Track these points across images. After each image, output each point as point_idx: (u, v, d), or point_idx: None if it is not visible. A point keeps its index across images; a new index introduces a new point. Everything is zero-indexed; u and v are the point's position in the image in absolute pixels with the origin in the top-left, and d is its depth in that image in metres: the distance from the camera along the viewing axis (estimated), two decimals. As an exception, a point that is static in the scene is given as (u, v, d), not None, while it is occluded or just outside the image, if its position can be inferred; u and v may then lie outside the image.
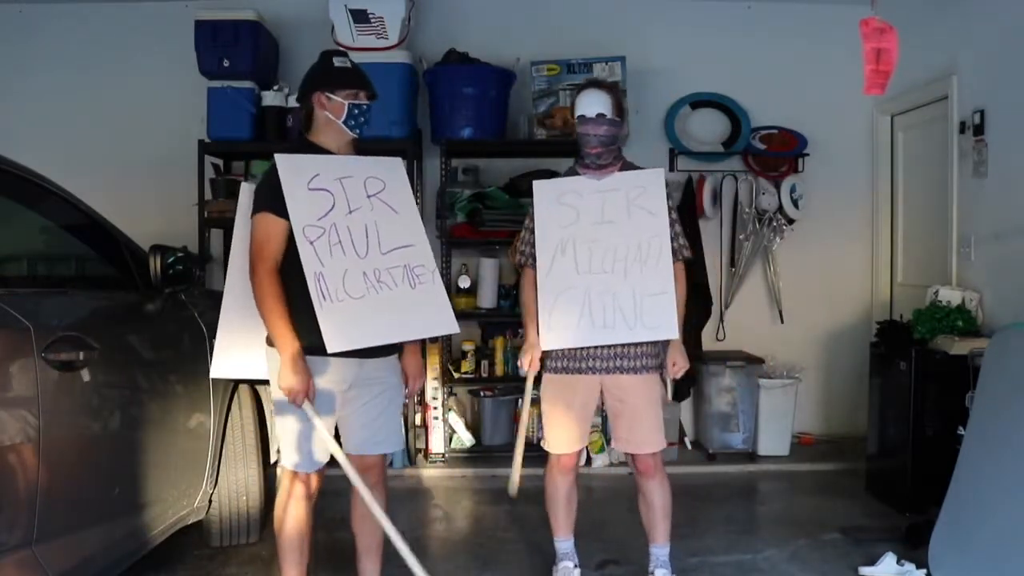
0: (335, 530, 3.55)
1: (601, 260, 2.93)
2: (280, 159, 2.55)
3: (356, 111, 2.65)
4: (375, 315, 2.57)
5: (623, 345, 2.95)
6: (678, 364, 2.99)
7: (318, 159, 2.64)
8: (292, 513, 2.67)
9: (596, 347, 2.96)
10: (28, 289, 2.68)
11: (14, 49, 5.22)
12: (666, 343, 3.01)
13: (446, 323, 2.78)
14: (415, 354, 2.87)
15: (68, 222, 2.88)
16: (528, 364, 3.04)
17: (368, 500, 2.55)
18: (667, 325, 2.91)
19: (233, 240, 2.71)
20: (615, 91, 3.07)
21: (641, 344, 2.97)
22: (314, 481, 2.71)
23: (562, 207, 3.01)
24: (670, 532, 3.09)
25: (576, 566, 3.18)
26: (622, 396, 2.99)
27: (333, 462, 2.72)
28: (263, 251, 2.52)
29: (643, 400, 2.99)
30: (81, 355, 2.38)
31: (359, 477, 2.56)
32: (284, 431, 2.63)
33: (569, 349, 2.98)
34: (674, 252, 2.98)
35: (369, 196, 2.66)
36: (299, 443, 2.62)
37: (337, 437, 2.74)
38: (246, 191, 2.69)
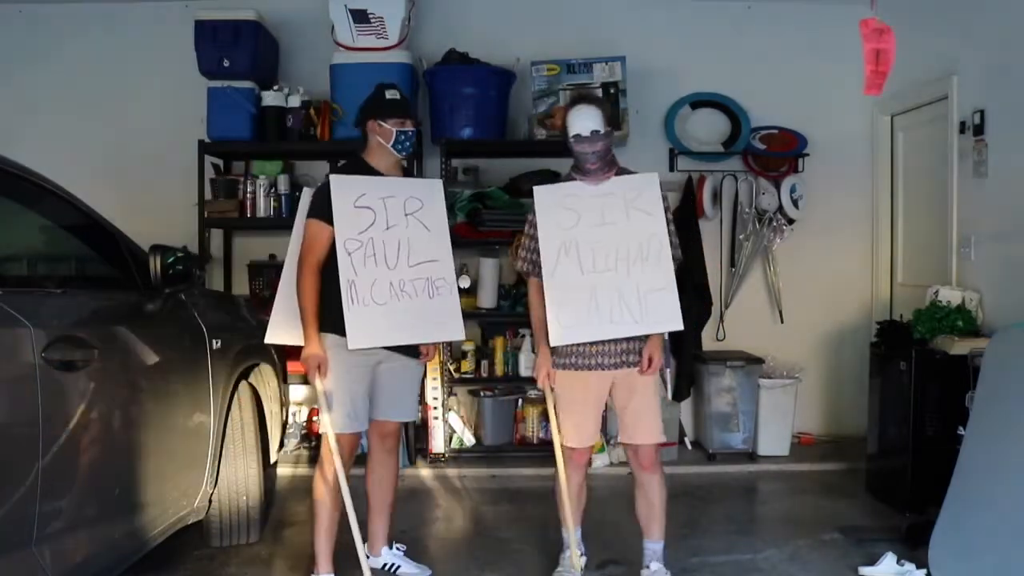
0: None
1: (604, 259, 3.04)
2: (333, 179, 2.99)
3: (402, 136, 3.09)
4: (393, 320, 3.01)
5: (628, 341, 3.06)
6: (654, 361, 3.06)
7: (366, 180, 3.07)
8: (328, 473, 3.01)
9: (604, 344, 3.06)
10: (28, 289, 2.67)
11: (14, 49, 5.23)
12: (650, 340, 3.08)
13: (454, 330, 3.21)
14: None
15: (68, 222, 2.87)
16: (543, 379, 3.14)
17: (343, 482, 2.97)
18: (672, 318, 3.04)
19: (293, 232, 3.13)
20: (604, 103, 3.20)
21: (642, 341, 3.08)
22: (353, 442, 3.11)
23: (563, 211, 3.08)
24: (665, 530, 3.15)
25: (583, 555, 3.24)
26: (633, 388, 3.10)
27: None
28: (310, 250, 3.00)
29: (650, 393, 3.12)
30: (81, 355, 2.38)
31: (341, 461, 2.96)
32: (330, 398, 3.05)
33: (578, 346, 3.06)
34: None
35: (407, 215, 3.09)
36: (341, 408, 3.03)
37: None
38: (306, 194, 3.15)
